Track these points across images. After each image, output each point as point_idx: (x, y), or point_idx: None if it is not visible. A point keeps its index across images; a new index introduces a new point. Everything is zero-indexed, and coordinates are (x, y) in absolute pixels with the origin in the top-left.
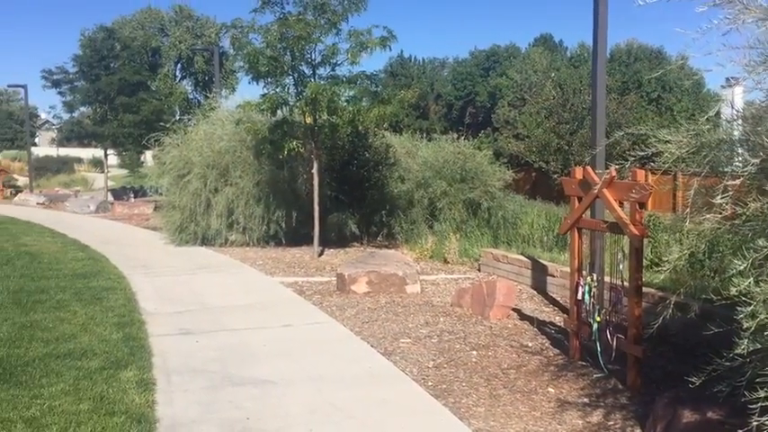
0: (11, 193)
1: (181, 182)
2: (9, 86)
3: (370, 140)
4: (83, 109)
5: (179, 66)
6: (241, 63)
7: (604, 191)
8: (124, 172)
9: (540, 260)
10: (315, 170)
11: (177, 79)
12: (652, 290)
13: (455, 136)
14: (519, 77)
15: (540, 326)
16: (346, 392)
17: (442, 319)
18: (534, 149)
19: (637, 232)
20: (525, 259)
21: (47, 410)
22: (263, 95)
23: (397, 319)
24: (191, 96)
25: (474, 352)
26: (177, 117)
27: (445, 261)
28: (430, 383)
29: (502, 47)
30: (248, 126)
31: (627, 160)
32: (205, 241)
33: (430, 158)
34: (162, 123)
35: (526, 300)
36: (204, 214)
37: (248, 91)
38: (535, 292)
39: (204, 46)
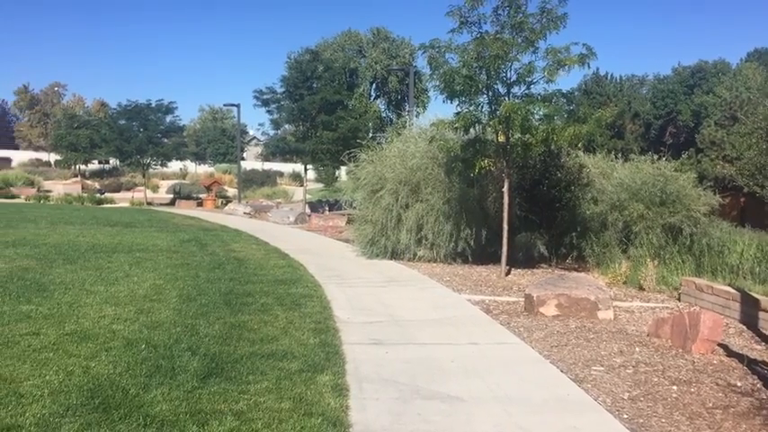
0: (222, 202)
1: (374, 197)
2: (225, 105)
3: (562, 160)
4: (287, 126)
5: (374, 85)
6: (436, 82)
7: None
8: (320, 186)
9: (752, 293)
10: (505, 189)
11: (372, 98)
12: None
13: (654, 157)
14: (729, 95)
15: (751, 364)
16: (535, 417)
17: (637, 348)
18: (747, 172)
19: None
20: (734, 291)
21: (252, 405)
22: (457, 114)
23: (588, 345)
24: (383, 114)
25: (674, 387)
26: (371, 134)
27: (640, 288)
28: (625, 416)
29: (709, 63)
30: (441, 144)
31: None
32: (394, 255)
33: (626, 180)
34: (358, 140)
35: (734, 335)
36: (395, 229)
37: (439, 109)
38: (744, 327)
39: (399, 66)
